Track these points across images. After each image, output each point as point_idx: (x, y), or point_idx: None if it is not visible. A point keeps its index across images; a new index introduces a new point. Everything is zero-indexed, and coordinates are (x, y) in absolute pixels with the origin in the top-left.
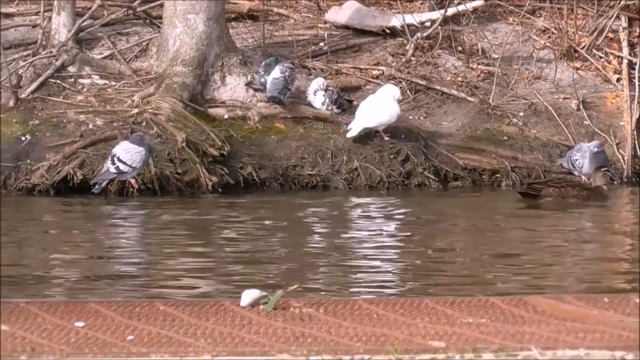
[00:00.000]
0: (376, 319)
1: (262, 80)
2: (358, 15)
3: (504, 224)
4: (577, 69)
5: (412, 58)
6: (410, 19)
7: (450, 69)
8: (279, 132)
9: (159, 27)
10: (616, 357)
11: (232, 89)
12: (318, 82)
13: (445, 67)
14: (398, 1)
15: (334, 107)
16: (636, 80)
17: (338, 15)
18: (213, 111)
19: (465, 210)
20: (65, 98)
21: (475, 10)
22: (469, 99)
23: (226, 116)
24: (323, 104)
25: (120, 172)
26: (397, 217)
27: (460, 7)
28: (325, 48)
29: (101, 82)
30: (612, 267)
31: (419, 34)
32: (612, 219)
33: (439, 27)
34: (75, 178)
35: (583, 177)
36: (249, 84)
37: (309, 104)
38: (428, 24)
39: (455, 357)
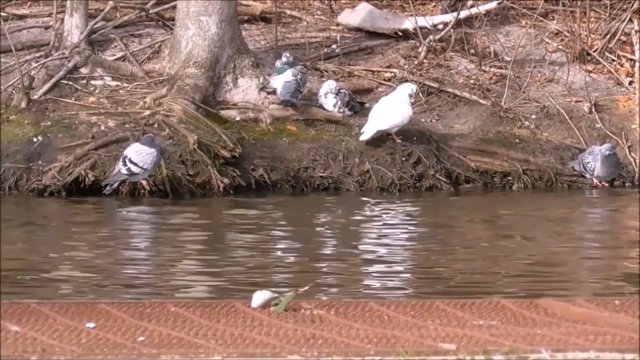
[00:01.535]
0: (387, 321)
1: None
2: (371, 17)
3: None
4: (590, 72)
5: (425, 60)
6: (423, 21)
7: (462, 72)
8: (290, 134)
9: (172, 28)
10: None
11: (244, 90)
12: (329, 85)
13: (457, 70)
14: (411, 4)
15: (345, 109)
16: None
17: (350, 17)
18: (225, 113)
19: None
20: (77, 99)
21: (488, 13)
22: (481, 101)
23: (238, 118)
24: (335, 106)
25: (131, 174)
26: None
27: (473, 10)
28: (337, 50)
29: (113, 83)
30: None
31: (431, 37)
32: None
33: (452, 30)
34: (86, 179)
35: (595, 181)
36: (263, 89)
37: (321, 106)
38: (441, 26)
39: (466, 359)
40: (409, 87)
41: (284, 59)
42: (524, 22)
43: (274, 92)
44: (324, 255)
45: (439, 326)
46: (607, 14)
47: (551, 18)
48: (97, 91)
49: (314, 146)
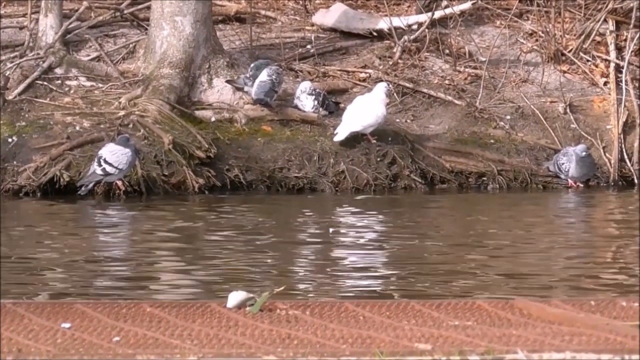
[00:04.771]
0: (362, 321)
1: (246, 80)
2: (345, 17)
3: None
4: (564, 72)
5: (399, 61)
6: (398, 21)
7: (437, 72)
8: (265, 135)
9: (146, 29)
10: None
11: (219, 91)
12: (304, 86)
13: (432, 70)
14: (385, 4)
15: (321, 109)
16: (623, 84)
17: (325, 17)
18: (200, 113)
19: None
20: (52, 100)
21: (462, 13)
22: (456, 102)
23: (213, 118)
24: (312, 107)
25: (106, 174)
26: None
27: (448, 10)
28: (312, 50)
29: (88, 84)
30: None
31: (406, 37)
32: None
33: (426, 30)
34: (61, 180)
35: (570, 181)
36: (230, 81)
37: (296, 107)
38: (415, 26)
39: None
40: (382, 86)
41: (253, 66)
42: (498, 22)
43: (241, 87)
44: (299, 255)
45: (414, 326)
46: (582, 15)
47: (526, 18)
48: (72, 91)
49: (289, 146)
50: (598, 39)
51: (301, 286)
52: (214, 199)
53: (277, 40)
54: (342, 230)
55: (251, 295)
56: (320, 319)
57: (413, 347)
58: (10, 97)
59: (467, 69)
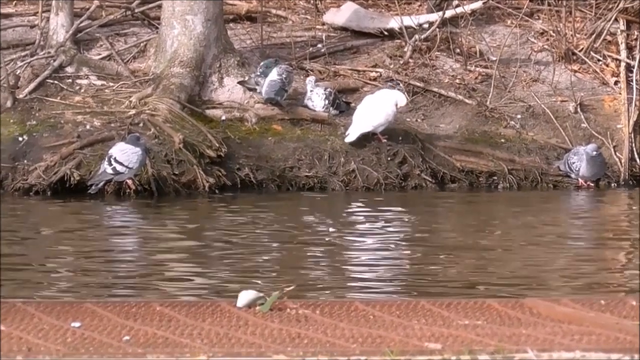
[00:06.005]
0: (372, 321)
1: (257, 80)
2: (356, 17)
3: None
4: (575, 71)
5: (410, 60)
6: (409, 20)
7: (448, 71)
8: (276, 134)
9: (157, 28)
10: None
11: (229, 90)
12: (310, 81)
13: (443, 69)
14: (396, 3)
15: (331, 108)
16: (634, 83)
17: (336, 17)
18: (210, 112)
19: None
20: (62, 99)
21: (473, 12)
22: (467, 101)
23: (224, 117)
24: (323, 106)
25: (117, 173)
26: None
27: (459, 9)
28: (323, 50)
29: (99, 82)
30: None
31: (417, 36)
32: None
33: (437, 29)
34: (72, 179)
35: (580, 180)
36: (242, 82)
37: (306, 106)
38: (426, 26)
39: (452, 359)
40: (399, 98)
41: (262, 65)
42: (509, 21)
43: (254, 88)
44: (309, 254)
45: (424, 326)
46: (593, 14)
47: (537, 18)
48: (82, 90)
49: (299, 145)
50: (609, 38)
51: (311, 285)
52: (225, 198)
53: (288, 39)
54: (351, 229)
55: (261, 294)
56: (330, 318)
57: (423, 346)
58: (20, 96)
59: (477, 68)
